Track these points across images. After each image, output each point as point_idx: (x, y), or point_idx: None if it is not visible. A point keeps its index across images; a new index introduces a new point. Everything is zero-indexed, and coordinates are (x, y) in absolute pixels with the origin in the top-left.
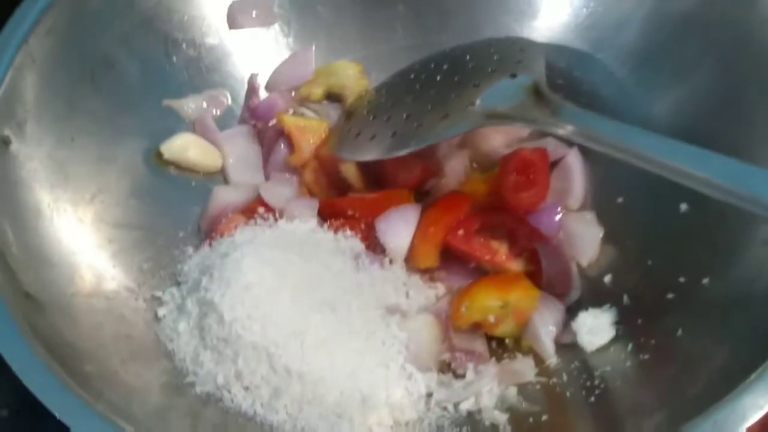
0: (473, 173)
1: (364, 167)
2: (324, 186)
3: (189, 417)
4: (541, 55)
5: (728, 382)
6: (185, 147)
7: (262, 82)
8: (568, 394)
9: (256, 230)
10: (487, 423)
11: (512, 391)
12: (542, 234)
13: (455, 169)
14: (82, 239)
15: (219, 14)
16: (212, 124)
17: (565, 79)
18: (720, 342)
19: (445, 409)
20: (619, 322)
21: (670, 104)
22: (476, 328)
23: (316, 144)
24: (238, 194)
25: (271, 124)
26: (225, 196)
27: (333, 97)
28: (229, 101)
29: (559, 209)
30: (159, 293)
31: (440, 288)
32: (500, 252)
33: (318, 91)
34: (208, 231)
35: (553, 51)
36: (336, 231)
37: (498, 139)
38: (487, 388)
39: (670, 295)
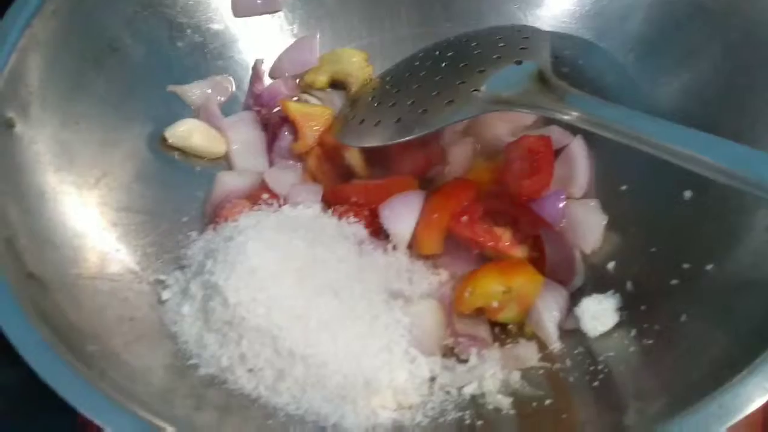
0: (477, 161)
1: (369, 154)
2: (328, 173)
3: (193, 398)
4: (546, 43)
5: (732, 367)
6: (189, 132)
7: (266, 68)
8: (571, 378)
9: (260, 215)
10: (490, 407)
11: (515, 376)
12: (546, 221)
13: (459, 156)
14: (86, 222)
15: (224, 0)
16: (216, 110)
17: (569, 67)
18: (724, 327)
19: (448, 392)
20: (623, 308)
21: (675, 92)
22: (479, 313)
23: (321, 131)
24: (242, 180)
25: (275, 110)
26: (229, 182)
27: (337, 84)
28: (234, 87)
29: (562, 196)
30: (163, 277)
31: (443, 274)
32: (504, 238)
33: (322, 79)
34: (212, 216)
35: (557, 39)
36: (340, 217)
37: (502, 127)
38: (491, 373)
39: (673, 281)
